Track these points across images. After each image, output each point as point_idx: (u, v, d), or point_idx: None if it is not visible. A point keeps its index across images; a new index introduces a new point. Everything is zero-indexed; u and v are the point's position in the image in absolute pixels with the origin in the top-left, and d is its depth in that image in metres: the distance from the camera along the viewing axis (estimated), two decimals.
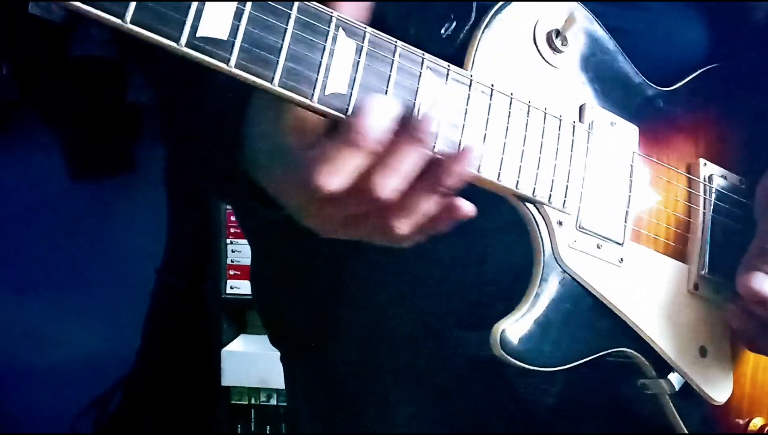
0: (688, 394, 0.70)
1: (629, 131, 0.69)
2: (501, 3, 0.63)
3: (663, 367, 0.69)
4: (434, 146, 0.56)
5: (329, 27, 0.54)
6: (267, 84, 0.51)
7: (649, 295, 0.69)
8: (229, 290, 1.96)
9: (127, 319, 2.08)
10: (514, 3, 0.64)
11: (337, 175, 0.53)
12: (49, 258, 2.21)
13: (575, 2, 0.66)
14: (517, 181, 0.61)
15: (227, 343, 1.98)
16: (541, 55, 0.65)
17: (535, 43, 0.65)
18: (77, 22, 1.86)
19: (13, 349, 2.19)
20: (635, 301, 0.67)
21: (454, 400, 0.74)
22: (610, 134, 0.67)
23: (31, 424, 2.17)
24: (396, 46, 0.56)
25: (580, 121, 0.66)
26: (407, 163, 0.54)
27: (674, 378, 0.69)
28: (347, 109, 0.54)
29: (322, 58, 0.53)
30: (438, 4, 0.65)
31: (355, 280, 0.73)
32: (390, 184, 0.54)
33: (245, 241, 1.95)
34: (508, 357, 0.61)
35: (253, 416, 1.99)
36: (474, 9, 0.64)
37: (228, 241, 1.96)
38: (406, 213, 0.56)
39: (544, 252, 0.64)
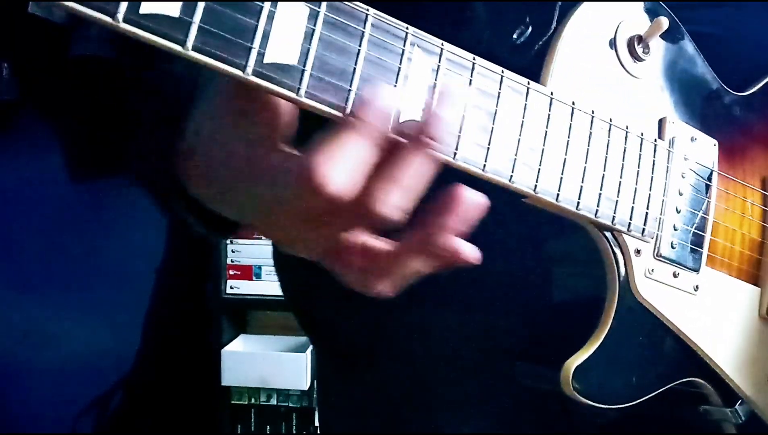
0: (754, 422, 0.67)
1: (709, 147, 0.64)
2: (576, 10, 0.58)
3: (731, 395, 0.66)
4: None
5: (404, 45, 0.48)
6: (338, 113, 0.46)
7: (722, 322, 0.65)
8: (229, 290, 1.96)
9: (127, 319, 2.08)
10: (591, 6, 0.58)
11: (341, 170, 0.45)
12: (49, 258, 2.21)
13: (657, 1, 0.61)
14: (597, 210, 0.56)
15: (227, 343, 1.98)
16: (622, 65, 0.59)
17: (616, 50, 0.59)
18: (77, 22, 1.86)
19: (13, 349, 2.19)
20: (708, 329, 0.64)
21: (501, 425, 0.71)
22: (690, 151, 0.62)
23: (31, 424, 2.17)
24: (474, 64, 0.51)
25: (660, 136, 0.61)
26: (411, 173, 0.47)
27: (741, 407, 0.66)
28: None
29: (396, 81, 0.48)
30: (513, 6, 0.60)
31: (413, 300, 0.68)
32: (391, 198, 0.46)
33: (245, 241, 1.96)
34: (579, 396, 0.58)
35: (253, 416, 1.99)
36: (557, 12, 0.59)
37: (228, 241, 1.96)
38: (397, 266, 0.50)
39: (619, 283, 0.59)
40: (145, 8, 0.41)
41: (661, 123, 0.61)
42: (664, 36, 0.61)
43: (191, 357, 2.01)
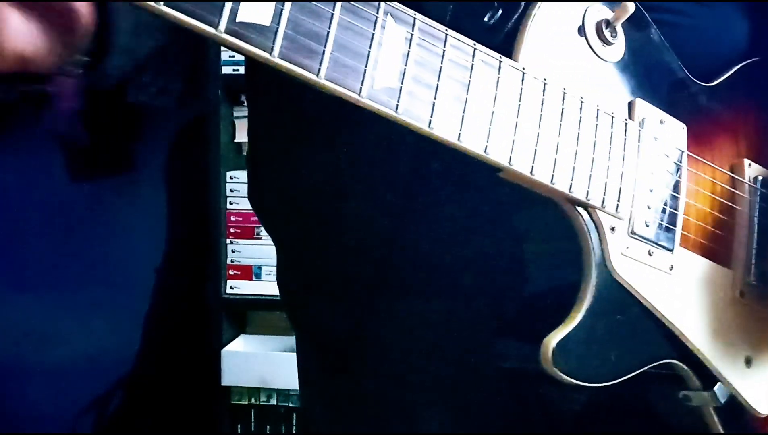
0: (733, 405, 0.67)
1: (678, 129, 0.65)
2: None
3: (708, 378, 0.66)
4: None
5: (377, 13, 0.49)
6: (312, 76, 0.47)
7: (697, 303, 0.65)
8: (229, 290, 1.96)
9: (127, 319, 2.08)
10: None
11: None
12: (49, 258, 2.21)
13: None
14: (571, 184, 0.57)
15: (227, 343, 1.98)
16: (591, 47, 0.60)
17: (585, 34, 0.60)
18: None
19: (13, 348, 2.19)
20: (684, 310, 0.64)
21: (481, 412, 0.72)
22: (659, 133, 0.63)
23: (31, 424, 2.17)
24: (447, 35, 0.52)
25: (630, 118, 0.62)
26: None
27: (719, 390, 0.66)
28: (397, 106, 0.50)
29: (370, 48, 0.49)
30: None
31: (392, 290, 0.70)
32: None
33: (245, 241, 1.96)
34: (560, 373, 0.58)
35: (253, 416, 1.99)
36: None
37: (228, 241, 1.96)
38: None
39: (595, 260, 0.59)
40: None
41: (630, 105, 0.62)
42: (630, 22, 0.62)
43: (191, 357, 2.01)
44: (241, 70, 1.90)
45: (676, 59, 0.66)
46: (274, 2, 0.45)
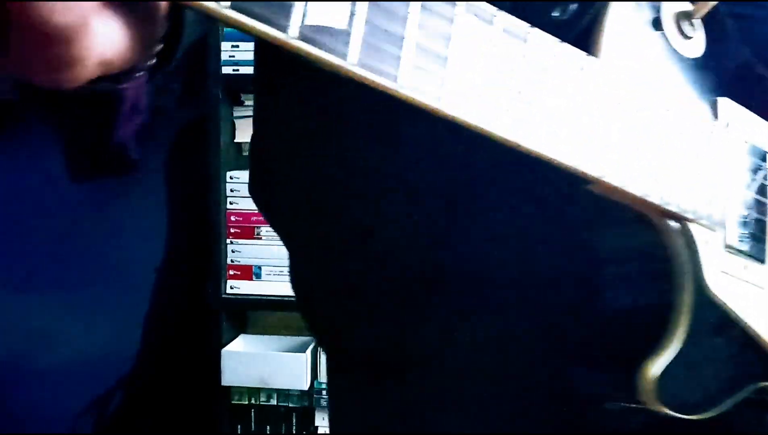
0: None
1: (764, 129, 0.59)
2: None
3: None
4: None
5: (456, 11, 0.43)
6: (390, 84, 0.41)
7: None
8: (229, 290, 1.96)
9: (127, 319, 2.08)
10: None
11: None
12: (49, 258, 2.21)
13: None
14: (664, 196, 0.51)
15: (227, 343, 1.98)
16: (669, 43, 0.54)
17: (662, 27, 0.54)
18: None
19: (13, 349, 2.19)
20: None
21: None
22: (745, 134, 0.57)
23: (31, 424, 2.17)
24: (529, 35, 0.46)
25: (715, 118, 0.56)
26: None
27: None
28: (480, 115, 0.44)
29: (449, 49, 0.42)
30: None
31: (445, 305, 0.64)
32: None
33: (245, 241, 1.96)
34: (664, 406, 0.52)
35: (253, 416, 1.99)
36: None
37: (228, 241, 1.96)
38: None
39: (690, 277, 0.53)
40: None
41: (714, 105, 0.56)
42: (705, 16, 0.56)
43: (191, 357, 2.01)
44: (242, 70, 1.90)
45: (751, 54, 0.60)
46: (348, 6, 0.40)
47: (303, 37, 0.39)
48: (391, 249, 0.64)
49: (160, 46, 0.49)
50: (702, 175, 0.54)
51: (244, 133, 1.99)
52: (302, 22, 0.38)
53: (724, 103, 0.57)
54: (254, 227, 1.94)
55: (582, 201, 0.53)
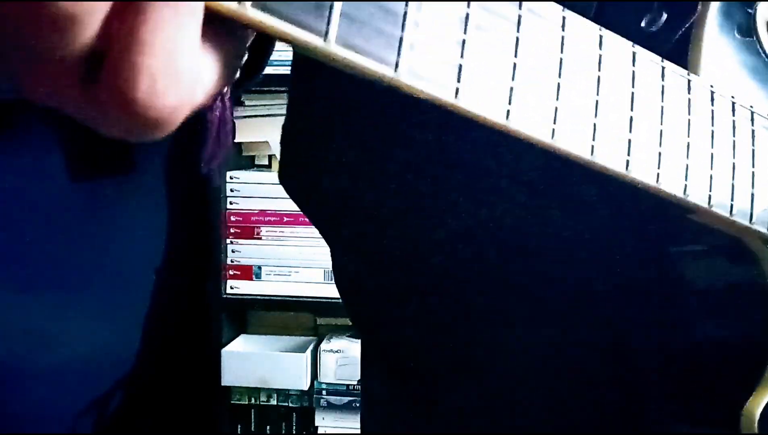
0: None
1: None
2: None
3: None
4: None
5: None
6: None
7: None
8: (229, 290, 1.96)
9: (127, 319, 2.07)
10: None
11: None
12: (49, 258, 2.21)
13: None
14: (751, 215, 0.48)
15: (227, 343, 1.98)
16: (763, 50, 0.52)
17: (757, 35, 0.52)
18: None
19: (13, 349, 2.19)
20: None
21: None
22: None
23: (31, 424, 2.16)
24: (634, 52, 0.43)
25: None
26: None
27: None
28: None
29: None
30: None
31: (502, 317, 0.61)
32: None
33: (245, 241, 1.96)
34: None
35: (253, 416, 1.99)
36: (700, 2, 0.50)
37: (228, 241, 1.96)
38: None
39: None
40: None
41: None
42: None
43: (191, 357, 2.01)
44: None
45: None
46: (457, 42, 0.35)
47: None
48: (441, 252, 0.61)
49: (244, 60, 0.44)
50: None
51: (244, 133, 1.99)
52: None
53: None
54: (254, 227, 1.94)
55: (668, 219, 0.50)
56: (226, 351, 1.95)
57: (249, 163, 2.06)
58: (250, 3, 0.32)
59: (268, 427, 1.99)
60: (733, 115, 0.47)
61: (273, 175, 1.97)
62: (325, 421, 1.96)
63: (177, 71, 0.33)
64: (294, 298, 1.91)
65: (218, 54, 0.36)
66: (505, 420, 0.63)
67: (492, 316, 0.61)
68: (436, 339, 0.64)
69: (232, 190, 1.95)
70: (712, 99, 0.46)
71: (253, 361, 1.93)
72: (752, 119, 0.49)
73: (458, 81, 0.36)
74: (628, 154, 0.42)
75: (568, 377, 0.61)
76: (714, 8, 0.49)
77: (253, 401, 1.98)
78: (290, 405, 1.98)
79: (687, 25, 0.49)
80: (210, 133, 0.52)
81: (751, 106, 0.48)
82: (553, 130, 0.40)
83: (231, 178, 1.95)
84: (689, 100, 0.45)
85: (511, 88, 0.38)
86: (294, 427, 1.99)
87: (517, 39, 0.38)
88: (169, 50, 0.32)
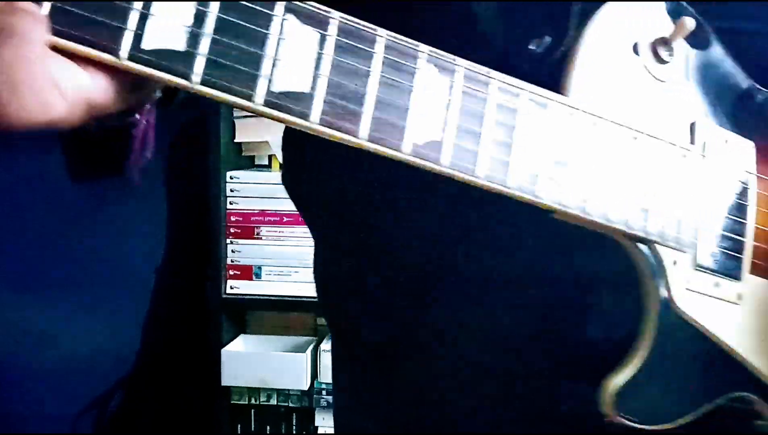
0: None
1: (745, 148, 0.61)
2: (595, 15, 0.55)
3: None
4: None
5: (418, 65, 0.48)
6: (353, 139, 0.46)
7: None
8: (229, 290, 1.96)
9: (127, 319, 2.07)
10: (611, 10, 0.55)
11: None
12: (49, 258, 2.21)
13: (680, 1, 0.58)
14: (629, 221, 0.54)
15: (227, 343, 1.98)
16: (647, 69, 0.57)
17: (640, 54, 0.57)
18: None
19: (13, 349, 2.19)
20: (755, 340, 0.60)
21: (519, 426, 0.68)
22: (724, 154, 0.59)
23: (31, 424, 2.17)
24: (491, 78, 0.51)
25: (691, 142, 0.58)
26: None
27: None
28: (439, 159, 0.49)
29: (409, 100, 0.48)
30: (529, 13, 0.58)
31: (440, 299, 0.68)
32: None
33: (245, 241, 1.96)
34: (623, 419, 0.55)
35: (253, 416, 1.99)
36: (572, 22, 0.56)
37: (228, 241, 1.96)
38: None
39: (657, 297, 0.56)
40: (148, 44, 0.42)
41: (692, 128, 0.59)
42: (687, 37, 0.58)
43: (191, 357, 2.01)
44: None
45: (739, 69, 0.62)
46: (312, 70, 0.45)
47: (269, 104, 0.43)
48: (396, 248, 0.68)
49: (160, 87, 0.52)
50: (672, 200, 0.56)
51: (244, 133, 1.99)
52: (268, 88, 0.43)
53: (702, 124, 0.59)
54: (254, 227, 1.94)
55: (565, 225, 0.55)
56: (226, 351, 1.95)
57: (249, 163, 2.06)
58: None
59: (268, 427, 1.99)
60: (596, 129, 0.54)
61: (273, 175, 1.97)
62: (325, 421, 1.96)
63: (15, 87, 0.41)
64: (294, 298, 1.91)
65: (108, 80, 0.44)
66: (454, 398, 0.69)
67: (436, 301, 0.67)
68: (385, 325, 0.71)
69: (232, 190, 1.95)
70: (573, 114, 0.53)
71: (253, 361, 1.93)
72: (617, 132, 0.55)
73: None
74: (474, 164, 0.50)
75: (498, 358, 0.66)
76: (599, 30, 0.55)
77: (253, 401, 1.98)
78: (290, 405, 1.98)
79: (564, 47, 0.55)
80: (133, 144, 0.60)
81: (618, 121, 0.54)
82: (401, 145, 0.48)
83: (231, 178, 1.95)
84: (546, 116, 0.52)
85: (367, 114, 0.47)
86: (294, 427, 1.99)
87: (369, 72, 0.47)
88: (7, 68, 0.40)
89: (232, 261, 1.95)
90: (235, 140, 2.00)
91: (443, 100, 0.49)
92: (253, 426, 1.99)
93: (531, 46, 0.57)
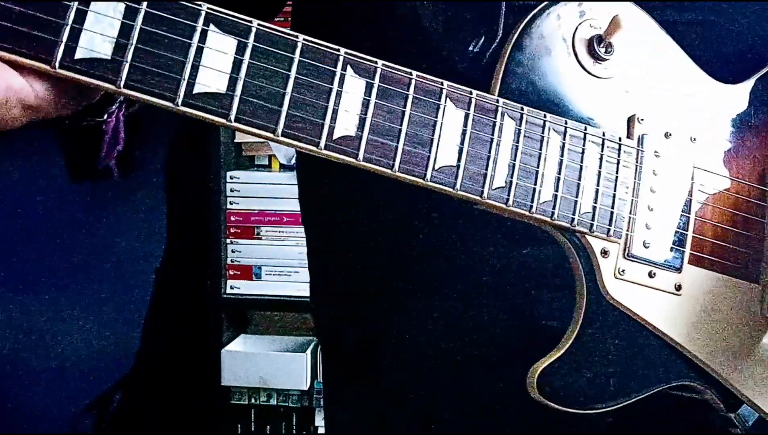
0: (762, 426, 0.64)
1: (685, 142, 0.62)
2: (530, 15, 0.57)
3: (732, 399, 0.63)
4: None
5: (336, 67, 0.51)
6: (270, 135, 0.50)
7: (713, 322, 0.62)
8: (229, 290, 1.96)
9: (127, 319, 2.07)
10: (545, 9, 0.57)
11: None
12: (49, 258, 2.21)
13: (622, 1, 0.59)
14: (553, 212, 0.56)
15: (227, 343, 1.98)
16: (582, 66, 0.58)
17: (575, 52, 0.58)
18: None
19: (13, 348, 2.19)
20: (696, 329, 0.61)
21: (493, 417, 0.70)
22: (663, 147, 0.60)
23: (31, 424, 2.17)
24: (411, 79, 0.53)
25: (628, 135, 0.59)
26: None
27: (746, 411, 0.64)
28: (357, 154, 0.51)
29: (328, 102, 0.50)
30: (465, 15, 0.60)
31: (406, 306, 0.70)
32: None
33: (245, 241, 1.96)
34: (545, 400, 0.57)
35: (253, 416, 1.99)
36: (501, 20, 0.59)
37: (228, 241, 1.96)
38: None
39: (586, 284, 0.58)
40: (80, 53, 0.46)
41: (629, 121, 0.60)
42: (632, 31, 0.59)
43: (191, 357, 2.01)
44: None
45: (689, 61, 0.62)
46: (228, 74, 0.48)
47: (188, 105, 0.47)
48: (362, 257, 0.71)
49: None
50: (602, 192, 0.58)
51: (244, 133, 1.98)
52: (189, 91, 0.47)
53: (640, 118, 0.60)
54: (254, 227, 1.94)
55: (516, 222, 0.57)
56: (226, 351, 1.95)
57: (249, 163, 2.06)
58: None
59: (268, 427, 1.99)
60: (520, 124, 0.55)
61: (273, 175, 1.97)
62: None
63: None
64: (294, 298, 1.91)
65: (42, 85, 0.47)
66: (417, 389, 0.72)
67: (407, 294, 0.70)
68: (358, 323, 0.74)
69: (232, 190, 1.95)
70: (497, 111, 0.54)
71: (253, 361, 1.93)
72: (543, 127, 0.56)
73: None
74: (392, 159, 0.53)
75: (460, 349, 0.69)
76: (534, 31, 0.56)
77: (253, 401, 1.98)
78: (290, 405, 1.98)
79: (495, 45, 0.58)
80: (105, 140, 0.64)
81: (544, 116, 0.56)
82: (317, 142, 0.51)
83: (231, 178, 1.95)
84: (467, 114, 0.54)
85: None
86: (294, 427, 1.99)
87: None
88: None
89: (232, 261, 1.95)
90: (235, 140, 2.00)
91: (361, 99, 0.51)
92: (253, 426, 1.99)
93: (470, 47, 0.59)
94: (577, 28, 0.58)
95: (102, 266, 2.21)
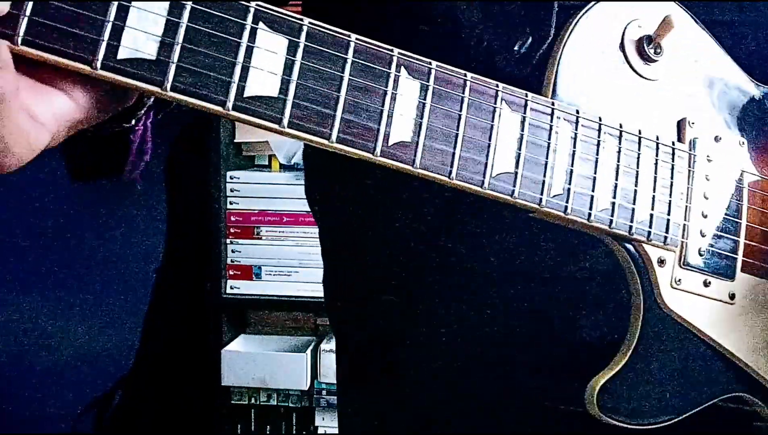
0: None
1: (735, 146, 0.60)
2: (580, 14, 0.54)
3: None
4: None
5: (390, 68, 0.48)
6: (324, 141, 0.46)
7: (766, 331, 0.60)
8: (229, 290, 1.96)
9: (127, 319, 2.07)
10: (595, 8, 0.55)
11: None
12: (50, 258, 2.21)
13: (669, 1, 0.57)
14: (611, 220, 0.54)
15: (227, 343, 1.98)
16: (632, 68, 0.56)
17: (625, 53, 0.56)
18: None
19: (13, 348, 2.19)
20: (749, 339, 0.60)
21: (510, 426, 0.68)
22: (714, 152, 0.59)
23: (31, 424, 2.17)
24: (466, 80, 0.50)
25: (679, 139, 0.58)
26: None
27: None
28: (414, 161, 0.48)
29: (383, 105, 0.48)
30: (512, 15, 0.57)
31: (429, 313, 0.68)
32: None
33: (245, 241, 1.96)
34: (606, 417, 0.55)
35: (253, 416, 1.99)
36: (554, 20, 0.56)
37: (228, 241, 1.96)
38: None
39: (643, 296, 0.56)
40: (122, 53, 0.42)
41: (680, 125, 0.58)
42: (679, 32, 0.57)
43: (191, 357, 2.01)
44: None
45: (732, 63, 0.61)
46: (280, 76, 0.45)
47: (239, 108, 0.44)
48: (386, 256, 0.69)
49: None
50: (658, 199, 0.56)
51: (244, 133, 1.98)
52: (240, 94, 0.44)
53: (691, 122, 0.58)
54: (254, 227, 1.94)
55: (558, 228, 0.55)
56: (226, 351, 1.95)
57: (249, 163, 2.06)
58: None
59: (268, 427, 1.99)
60: (576, 128, 0.53)
61: (273, 175, 1.97)
62: (325, 421, 1.96)
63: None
64: (294, 298, 1.91)
65: (83, 95, 0.44)
66: (436, 393, 0.69)
67: (425, 299, 0.68)
68: (376, 325, 0.72)
69: (232, 190, 1.95)
70: (552, 114, 0.52)
71: (253, 361, 1.93)
72: (599, 131, 0.54)
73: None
74: (451, 165, 0.50)
75: (490, 364, 0.66)
76: (583, 31, 0.54)
77: (253, 401, 1.98)
78: (290, 405, 1.98)
79: (546, 45, 0.55)
80: (132, 149, 0.61)
81: (599, 119, 0.54)
82: (373, 148, 0.48)
83: (231, 178, 1.95)
84: (523, 117, 0.52)
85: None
86: (294, 427, 1.99)
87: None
88: None
89: (232, 261, 1.95)
90: (235, 140, 2.00)
91: (416, 102, 0.49)
92: (253, 426, 1.99)
93: (516, 48, 0.57)
94: (626, 29, 0.57)
95: (102, 266, 2.21)
